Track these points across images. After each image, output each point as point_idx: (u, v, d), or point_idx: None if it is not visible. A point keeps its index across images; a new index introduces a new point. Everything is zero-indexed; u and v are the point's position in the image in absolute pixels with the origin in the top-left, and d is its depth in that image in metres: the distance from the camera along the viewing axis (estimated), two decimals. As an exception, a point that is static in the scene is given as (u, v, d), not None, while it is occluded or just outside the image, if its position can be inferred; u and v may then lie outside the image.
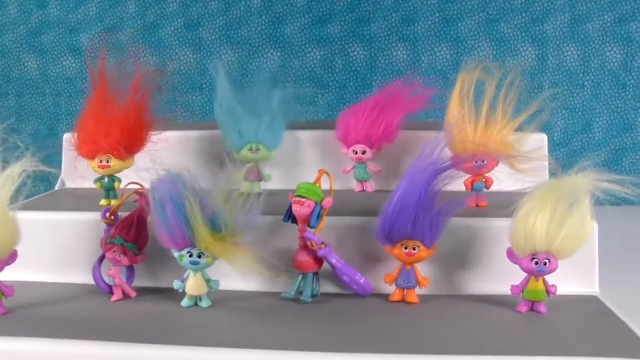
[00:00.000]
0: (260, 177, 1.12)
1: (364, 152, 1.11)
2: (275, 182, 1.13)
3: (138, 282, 0.97)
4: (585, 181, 0.86)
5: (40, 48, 1.92)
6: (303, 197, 0.89)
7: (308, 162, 1.17)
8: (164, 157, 1.04)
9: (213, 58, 1.89)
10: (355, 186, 1.16)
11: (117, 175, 1.07)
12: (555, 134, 1.96)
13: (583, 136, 1.95)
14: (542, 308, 0.88)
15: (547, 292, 0.88)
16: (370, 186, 1.15)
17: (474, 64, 1.01)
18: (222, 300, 0.92)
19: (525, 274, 0.87)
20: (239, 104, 1.10)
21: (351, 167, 1.14)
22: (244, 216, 0.87)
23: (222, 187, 0.88)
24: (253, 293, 0.95)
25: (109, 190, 1.07)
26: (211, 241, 0.85)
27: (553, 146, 2.01)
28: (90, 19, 1.90)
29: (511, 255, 0.87)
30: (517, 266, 0.87)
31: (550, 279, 0.88)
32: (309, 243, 0.90)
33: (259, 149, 1.10)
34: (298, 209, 0.89)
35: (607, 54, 1.94)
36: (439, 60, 1.93)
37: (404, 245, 0.89)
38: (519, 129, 1.02)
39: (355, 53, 1.93)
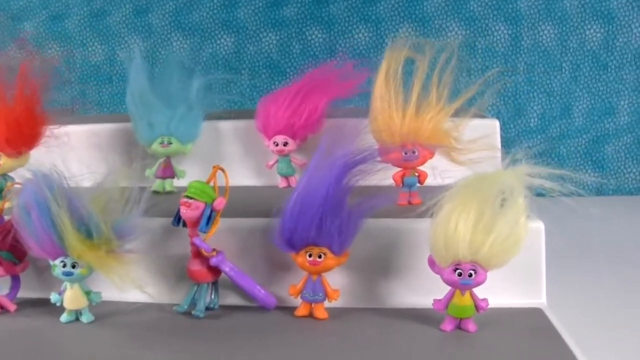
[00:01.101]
0: (173, 174, 1.01)
1: (285, 144, 0.99)
2: (191, 178, 0.99)
3: (24, 294, 0.86)
4: (518, 175, 0.72)
5: (-18, 37, 1.83)
6: (191, 198, 0.78)
7: (229, 156, 1.06)
8: (66, 154, 0.96)
9: (164, 45, 1.78)
10: (279, 182, 1.04)
11: (10, 174, 0.96)
12: (532, 120, 1.81)
13: (562, 122, 1.80)
14: (471, 326, 0.75)
15: (477, 307, 0.75)
16: (296, 181, 1.02)
17: (402, 42, 0.88)
18: (107, 314, 0.81)
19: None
20: (152, 93, 1.00)
21: (274, 161, 1.02)
22: (123, 220, 0.76)
23: (99, 188, 0.77)
24: (143, 305, 0.83)
25: (1, 191, 0.96)
26: (83, 249, 0.75)
27: (530, 133, 1.87)
28: (34, 6, 1.80)
29: (432, 264, 0.74)
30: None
31: (487, 289, 0.75)
32: (201, 250, 0.79)
33: (170, 143, 1.00)
34: (185, 211, 0.78)
35: (587, 32, 1.78)
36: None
37: (308, 253, 0.76)
38: (464, 114, 0.88)
39: (314, 36, 1.80)
